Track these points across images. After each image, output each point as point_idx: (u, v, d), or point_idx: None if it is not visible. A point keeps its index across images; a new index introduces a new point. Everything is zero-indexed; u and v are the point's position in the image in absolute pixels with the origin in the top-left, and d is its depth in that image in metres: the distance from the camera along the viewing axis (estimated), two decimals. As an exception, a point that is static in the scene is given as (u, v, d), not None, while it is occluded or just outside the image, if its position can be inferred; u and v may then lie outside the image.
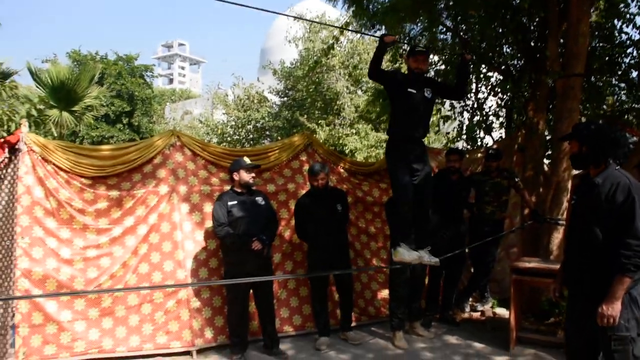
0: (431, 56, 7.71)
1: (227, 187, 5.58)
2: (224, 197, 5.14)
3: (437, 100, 7.91)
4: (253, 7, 4.07)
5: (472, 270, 6.43)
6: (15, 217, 4.77)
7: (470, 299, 6.50)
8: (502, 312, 6.26)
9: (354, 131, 14.83)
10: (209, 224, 5.52)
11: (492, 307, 6.44)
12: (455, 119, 8.09)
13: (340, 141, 14.63)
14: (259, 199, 5.25)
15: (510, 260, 6.32)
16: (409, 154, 4.65)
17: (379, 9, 6.64)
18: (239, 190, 5.18)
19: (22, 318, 4.63)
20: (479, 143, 7.71)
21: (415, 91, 4.57)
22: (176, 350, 5.13)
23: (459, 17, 7.02)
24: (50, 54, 34.11)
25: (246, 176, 5.16)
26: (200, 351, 5.19)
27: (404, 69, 5.22)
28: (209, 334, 5.27)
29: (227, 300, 5.27)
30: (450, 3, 6.72)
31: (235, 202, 5.09)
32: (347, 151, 14.25)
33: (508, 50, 7.28)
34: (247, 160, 5.26)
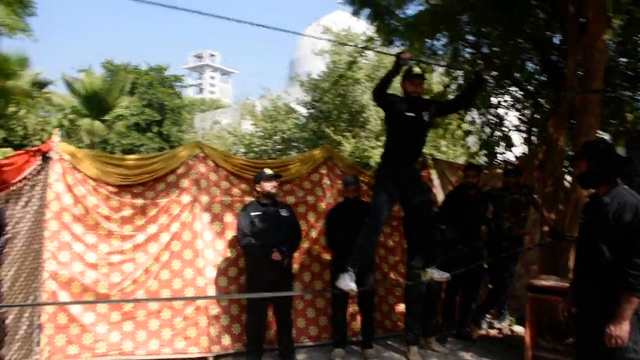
0: (453, 71, 7.78)
1: (248, 198, 5.77)
2: (248, 208, 5.30)
3: (459, 114, 8.01)
4: (273, 28, 4.21)
5: (489, 286, 6.42)
6: (44, 221, 4.98)
7: (488, 316, 6.48)
8: (520, 330, 6.21)
9: (380, 144, 14.87)
10: (229, 233, 5.68)
11: (509, 325, 6.41)
12: (476, 134, 8.11)
13: (366, 154, 14.68)
14: (283, 211, 5.38)
15: (530, 278, 6.30)
16: (402, 177, 4.46)
17: (398, 24, 6.72)
18: (263, 202, 5.31)
19: (48, 318, 4.83)
20: (500, 158, 7.70)
21: (414, 115, 4.45)
22: (194, 355, 5.26)
23: (480, 33, 7.06)
24: (86, 63, 35.04)
25: (267, 186, 5.30)
26: (217, 357, 5.31)
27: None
28: (226, 341, 5.39)
29: (245, 308, 5.40)
30: (470, 18, 6.76)
31: (259, 213, 5.24)
32: (372, 164, 14.30)
33: (530, 65, 7.29)
34: (268, 171, 5.39)
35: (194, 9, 3.75)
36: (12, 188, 5.05)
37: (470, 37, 7.28)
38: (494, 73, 7.33)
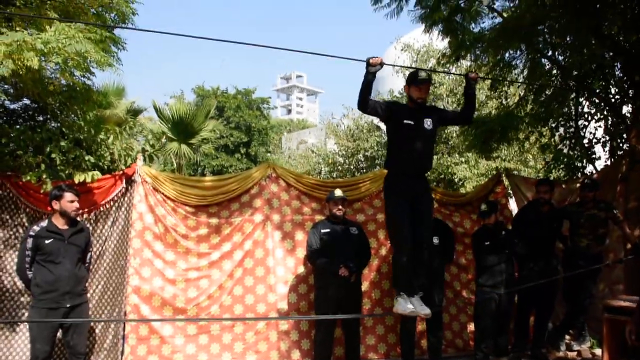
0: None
1: (318, 217, 5.96)
2: (319, 225, 5.47)
3: (535, 129, 7.75)
4: (353, 59, 4.30)
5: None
6: (129, 240, 5.40)
7: (567, 337, 6.17)
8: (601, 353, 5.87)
9: (463, 159, 14.59)
10: (299, 251, 5.85)
11: (590, 347, 6.07)
12: (555, 147, 7.80)
13: (449, 170, 14.45)
14: (353, 229, 5.49)
15: (614, 298, 5.94)
16: (409, 191, 4.13)
17: (470, 40, 6.66)
18: (333, 220, 5.46)
19: (131, 329, 5.21)
20: (579, 172, 7.34)
21: (412, 122, 4.11)
22: (264, 369, 5.45)
23: (556, 43, 6.84)
24: (178, 90, 37.20)
25: (333, 208, 5.43)
26: (286, 372, 5.47)
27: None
28: (295, 355, 5.54)
29: (314, 324, 5.52)
30: (545, 30, 6.57)
31: (328, 230, 5.38)
32: (456, 180, 14.07)
33: (610, 75, 6.95)
34: (336, 193, 5.51)
35: (281, 46, 3.97)
36: (100, 209, 5.50)
37: (544, 48, 7.07)
38: (572, 83, 7.07)
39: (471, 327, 6.14)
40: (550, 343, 6.00)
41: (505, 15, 7.07)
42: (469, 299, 6.19)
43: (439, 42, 8.64)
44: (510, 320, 5.79)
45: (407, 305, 3.98)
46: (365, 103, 4.01)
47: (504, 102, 8.55)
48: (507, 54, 7.38)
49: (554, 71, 7.43)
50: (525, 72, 7.44)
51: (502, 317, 5.55)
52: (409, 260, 4.03)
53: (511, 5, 7.11)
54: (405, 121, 4.10)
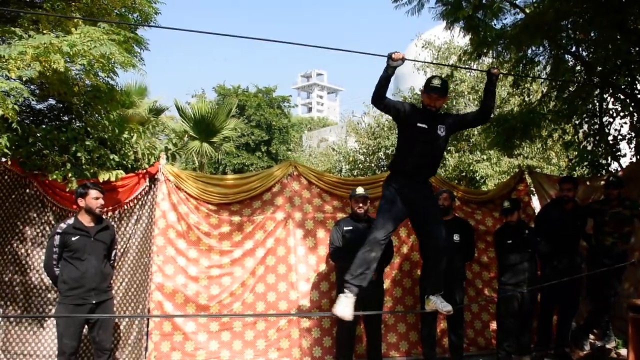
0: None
1: (340, 215, 6.00)
2: (341, 223, 5.49)
3: (558, 126, 7.65)
4: (373, 54, 4.31)
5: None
6: (152, 237, 5.48)
7: (591, 337, 6.09)
8: (626, 352, 5.78)
9: (485, 157, 14.47)
10: (321, 249, 5.88)
11: (615, 347, 5.98)
12: (579, 144, 7.69)
13: (471, 168, 14.34)
14: None
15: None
16: (411, 193, 4.05)
17: (491, 36, 6.60)
18: (356, 217, 5.46)
19: (155, 326, 5.29)
20: (604, 170, 7.23)
21: (426, 126, 4.02)
22: (286, 366, 5.49)
23: (580, 39, 6.74)
24: (199, 88, 37.49)
25: (355, 206, 5.44)
26: (308, 369, 5.50)
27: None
28: (317, 353, 5.56)
29: (335, 322, 5.53)
30: (568, 25, 6.48)
31: (351, 227, 5.40)
32: (477, 177, 13.96)
33: (635, 71, 6.82)
34: (358, 190, 5.50)
35: (301, 42, 3.94)
36: (124, 207, 5.59)
37: (568, 44, 6.98)
38: (596, 79, 6.97)
39: (493, 325, 6.09)
40: (574, 342, 5.94)
41: (527, 11, 6.99)
42: (491, 297, 6.15)
43: (460, 39, 8.58)
44: (533, 318, 5.74)
45: (345, 308, 3.84)
46: (380, 98, 3.92)
47: (526, 99, 8.46)
48: (529, 51, 7.31)
49: (578, 67, 7.33)
50: (548, 69, 7.36)
51: (525, 315, 5.50)
52: (374, 260, 3.96)
53: (534, 0, 7.02)
54: (418, 124, 4.01)
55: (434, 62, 16.64)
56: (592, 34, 6.56)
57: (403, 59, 3.76)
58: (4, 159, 5.50)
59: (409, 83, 20.67)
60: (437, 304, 4.15)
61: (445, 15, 6.81)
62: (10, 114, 4.35)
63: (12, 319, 5.32)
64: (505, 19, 7.03)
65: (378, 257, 4.01)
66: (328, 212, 6.09)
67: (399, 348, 5.84)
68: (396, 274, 6.04)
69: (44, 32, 4.96)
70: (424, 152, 4.04)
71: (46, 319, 5.32)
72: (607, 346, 5.96)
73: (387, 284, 5.89)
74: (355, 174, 19.76)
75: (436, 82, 4.02)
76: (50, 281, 4.82)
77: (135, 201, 5.63)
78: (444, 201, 5.61)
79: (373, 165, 19.66)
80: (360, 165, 20.05)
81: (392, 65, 3.77)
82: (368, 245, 3.99)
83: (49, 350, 5.29)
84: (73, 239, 4.49)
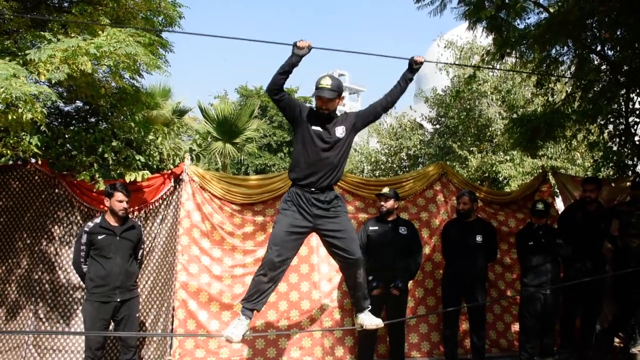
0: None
1: (362, 215, 6.08)
2: (368, 223, 5.54)
3: (583, 126, 7.54)
4: (391, 56, 4.32)
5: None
6: (177, 237, 5.57)
7: (617, 340, 6.01)
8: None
9: (508, 158, 14.34)
10: (343, 249, 5.88)
11: (642, 351, 5.89)
12: (604, 145, 7.58)
13: (494, 168, 14.24)
14: (402, 229, 5.44)
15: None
16: (311, 204, 3.75)
17: (514, 35, 6.56)
18: (383, 218, 5.48)
19: (179, 324, 5.36)
20: (630, 171, 7.12)
21: (320, 129, 3.74)
22: (308, 364, 5.52)
23: (606, 38, 6.66)
24: (222, 89, 37.77)
25: (378, 204, 5.47)
26: (330, 368, 5.53)
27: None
28: (339, 352, 5.59)
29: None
30: (593, 24, 6.41)
31: (376, 228, 5.43)
32: (500, 178, 13.86)
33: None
34: (384, 190, 5.51)
35: (321, 46, 3.86)
36: (150, 207, 5.69)
37: (593, 43, 6.90)
38: (622, 78, 6.86)
39: (516, 327, 6.04)
40: (599, 345, 5.86)
41: (551, 10, 6.92)
42: (514, 298, 6.11)
43: (483, 39, 8.53)
44: (556, 320, 5.69)
45: (234, 329, 3.73)
46: (277, 87, 3.68)
47: (550, 99, 8.38)
48: (553, 50, 7.24)
49: (603, 67, 7.23)
50: (573, 68, 7.28)
51: (548, 317, 5.46)
52: (266, 277, 3.72)
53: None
54: (313, 127, 3.76)
55: (456, 62, 16.53)
56: (618, 33, 6.48)
57: (309, 47, 3.62)
58: (34, 160, 5.66)
59: (432, 84, 20.59)
60: (365, 320, 3.94)
61: (468, 15, 6.78)
62: (39, 117, 4.47)
63: (41, 315, 5.47)
64: (529, 18, 6.97)
65: (273, 282, 3.75)
66: (350, 212, 6.07)
67: (421, 348, 5.83)
68: (418, 275, 6.01)
69: (72, 35, 5.09)
70: (319, 157, 3.74)
71: (74, 314, 5.46)
72: (633, 350, 5.88)
73: (409, 284, 5.89)
74: (377, 174, 19.74)
75: (324, 83, 3.71)
76: (79, 278, 4.95)
77: (161, 201, 5.74)
78: (463, 205, 5.57)
79: (395, 165, 19.62)
80: (382, 166, 20.03)
81: (297, 53, 3.62)
82: (261, 269, 3.77)
83: (77, 346, 5.42)
84: (99, 237, 4.60)
